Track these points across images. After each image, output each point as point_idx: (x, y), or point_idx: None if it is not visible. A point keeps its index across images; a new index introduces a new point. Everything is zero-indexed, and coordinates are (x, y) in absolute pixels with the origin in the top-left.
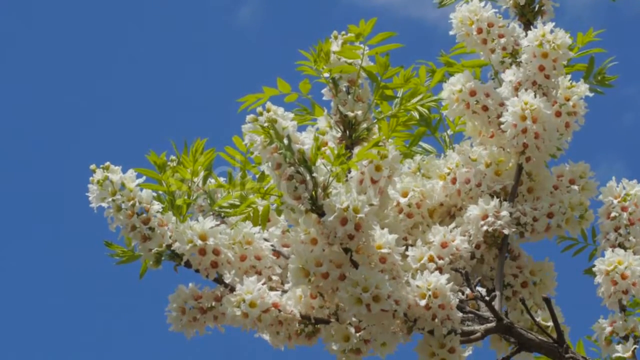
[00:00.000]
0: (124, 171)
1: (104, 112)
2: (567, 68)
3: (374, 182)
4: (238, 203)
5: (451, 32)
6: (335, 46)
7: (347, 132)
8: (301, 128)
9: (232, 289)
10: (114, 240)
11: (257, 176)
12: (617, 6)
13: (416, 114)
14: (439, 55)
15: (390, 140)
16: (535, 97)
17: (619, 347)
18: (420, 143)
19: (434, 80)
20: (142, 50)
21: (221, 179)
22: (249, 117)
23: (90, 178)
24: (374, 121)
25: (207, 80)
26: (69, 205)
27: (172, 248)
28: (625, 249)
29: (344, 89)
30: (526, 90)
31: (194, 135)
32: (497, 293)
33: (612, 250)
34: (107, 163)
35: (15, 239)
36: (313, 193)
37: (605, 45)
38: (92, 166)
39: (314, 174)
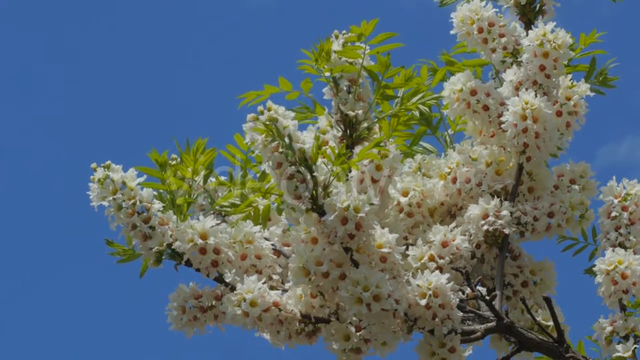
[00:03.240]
0: (125, 170)
1: (104, 109)
2: (569, 68)
3: (374, 181)
4: (239, 202)
5: (452, 32)
6: (336, 45)
7: (348, 131)
8: (302, 127)
9: (233, 288)
10: (114, 238)
11: (257, 175)
12: None
13: (417, 113)
14: (440, 54)
15: (391, 139)
16: (535, 96)
17: (619, 347)
18: (421, 142)
19: (435, 79)
20: (143, 48)
21: (222, 178)
22: (249, 116)
23: (91, 177)
24: (375, 120)
25: (209, 77)
26: (69, 204)
27: (172, 247)
28: (625, 248)
29: (345, 88)
30: (527, 89)
31: (196, 133)
32: (498, 292)
33: (613, 250)
34: (108, 162)
35: (15, 238)
36: (313, 192)
37: (618, 23)
38: (93, 165)
39: (315, 173)
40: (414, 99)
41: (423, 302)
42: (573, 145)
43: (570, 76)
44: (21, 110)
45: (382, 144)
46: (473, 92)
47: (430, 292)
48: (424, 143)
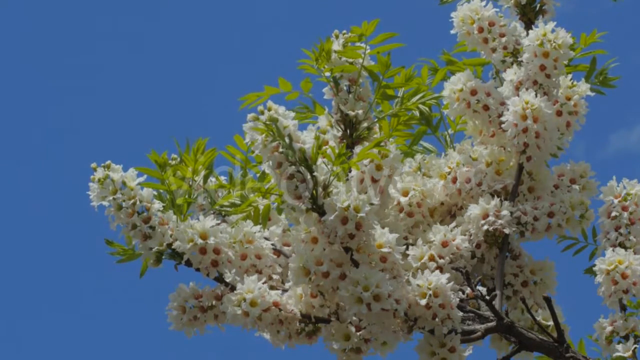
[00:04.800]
0: (125, 170)
1: (103, 108)
2: (570, 68)
3: (374, 181)
4: (239, 202)
5: (452, 31)
6: (336, 45)
7: (348, 131)
8: (302, 127)
9: (233, 288)
10: (114, 238)
11: (257, 175)
12: None
13: (417, 113)
14: (441, 53)
15: (391, 139)
16: (536, 96)
17: (619, 347)
18: (421, 142)
19: (435, 79)
20: (142, 48)
21: (222, 178)
22: (250, 116)
23: (91, 176)
24: (375, 120)
25: (210, 77)
26: (69, 204)
27: (172, 247)
28: (625, 248)
29: (345, 88)
30: (527, 89)
31: (196, 133)
32: (498, 292)
33: (613, 250)
34: (108, 161)
35: (16, 237)
36: (313, 192)
37: (630, 6)
38: (93, 165)
39: (315, 173)
40: (414, 99)
41: (423, 302)
42: (586, 131)
43: (570, 76)
44: (21, 107)
45: (382, 144)
46: (473, 92)
47: (431, 292)
48: (424, 143)
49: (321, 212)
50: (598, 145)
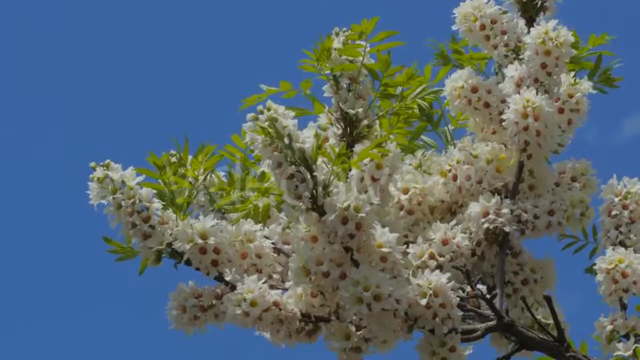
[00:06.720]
0: (124, 169)
1: (102, 107)
2: (572, 65)
3: (374, 180)
4: (240, 200)
5: (454, 27)
6: (336, 43)
7: (348, 129)
8: (302, 122)
9: (233, 287)
10: (113, 236)
11: (257, 172)
12: None
13: (417, 109)
14: (449, 40)
15: (391, 136)
16: (537, 94)
17: (619, 346)
18: (422, 137)
19: (438, 77)
20: (141, 47)
21: (221, 174)
22: (249, 116)
23: (90, 176)
24: (375, 118)
25: (209, 76)
26: (69, 202)
27: (172, 246)
28: (626, 247)
29: (345, 86)
30: (528, 87)
31: (195, 131)
32: (498, 291)
33: (613, 248)
34: (108, 161)
35: (15, 235)
36: (313, 192)
37: None
38: (92, 164)
39: (315, 173)
40: (412, 95)
41: (424, 301)
42: (600, 116)
43: (572, 73)
44: (20, 106)
45: (383, 145)
46: (474, 89)
47: (431, 291)
48: (425, 137)
49: (321, 212)
50: (612, 130)
